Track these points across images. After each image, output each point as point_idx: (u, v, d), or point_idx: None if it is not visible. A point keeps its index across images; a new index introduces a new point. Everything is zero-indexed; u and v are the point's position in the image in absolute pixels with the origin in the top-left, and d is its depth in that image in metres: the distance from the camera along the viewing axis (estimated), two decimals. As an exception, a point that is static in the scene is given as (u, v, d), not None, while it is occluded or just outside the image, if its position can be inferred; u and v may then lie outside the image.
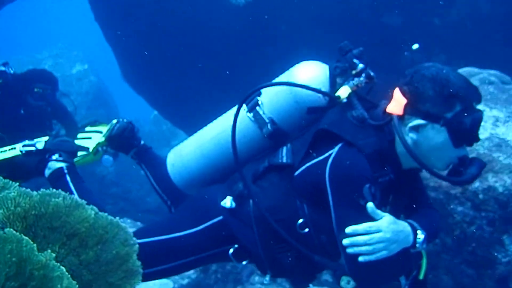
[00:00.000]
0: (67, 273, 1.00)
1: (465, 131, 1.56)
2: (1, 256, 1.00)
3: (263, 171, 1.84)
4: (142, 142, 2.46)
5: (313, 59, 1.94)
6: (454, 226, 2.41)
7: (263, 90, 1.90)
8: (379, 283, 1.68)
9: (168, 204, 2.28)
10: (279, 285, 3.27)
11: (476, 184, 2.32)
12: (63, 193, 1.18)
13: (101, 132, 2.54)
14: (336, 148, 1.66)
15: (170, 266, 1.91)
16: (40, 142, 2.21)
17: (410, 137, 1.62)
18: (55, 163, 2.19)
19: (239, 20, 4.21)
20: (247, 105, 1.91)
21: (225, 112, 2.11)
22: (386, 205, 1.74)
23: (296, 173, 1.77)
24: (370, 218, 1.54)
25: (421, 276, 1.71)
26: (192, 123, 6.36)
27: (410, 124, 1.62)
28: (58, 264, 1.02)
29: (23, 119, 4.05)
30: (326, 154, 1.68)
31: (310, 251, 1.71)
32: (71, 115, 4.52)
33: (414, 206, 1.79)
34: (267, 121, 1.87)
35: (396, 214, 1.66)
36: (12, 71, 4.14)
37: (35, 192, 1.13)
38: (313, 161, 1.72)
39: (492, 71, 2.83)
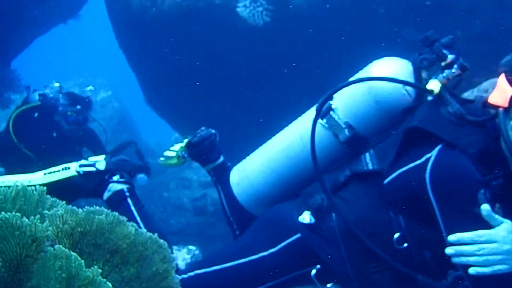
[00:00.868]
0: (113, 288, 1.04)
1: None
2: (52, 273, 1.04)
3: (345, 181, 1.66)
4: (221, 159, 2.24)
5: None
6: None
7: (335, 94, 1.73)
8: None
9: (234, 228, 2.09)
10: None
11: None
12: (105, 210, 1.23)
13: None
14: (436, 150, 1.45)
15: None
16: (100, 162, 2.05)
17: None
18: (116, 185, 2.03)
19: (258, 40, 4.29)
20: (317, 111, 1.72)
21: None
22: None
23: (386, 181, 1.58)
24: (488, 227, 1.32)
25: None
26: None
27: None
28: (105, 280, 1.06)
29: (54, 142, 4.10)
30: (424, 158, 1.48)
31: (411, 269, 1.49)
32: (100, 141, 4.56)
33: None
34: (343, 126, 1.71)
35: None
36: (51, 95, 4.23)
37: (80, 210, 1.18)
38: (408, 166, 1.52)
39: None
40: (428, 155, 1.47)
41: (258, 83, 4.76)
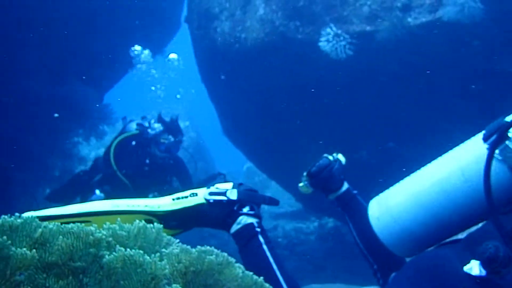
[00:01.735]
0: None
1: None
2: (169, 312, 1.06)
3: None
4: (345, 187, 2.05)
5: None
6: None
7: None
8: None
9: (375, 268, 1.87)
10: None
11: None
12: (215, 250, 1.24)
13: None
14: None
15: None
16: (232, 191, 1.83)
17: None
18: (246, 218, 1.78)
19: (340, 74, 4.27)
20: (485, 141, 1.50)
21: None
22: None
23: None
24: None
25: None
26: (287, 174, 6.45)
27: None
28: (217, 322, 1.05)
29: (148, 170, 4.17)
30: None
31: None
32: (188, 170, 4.56)
33: None
34: None
35: None
36: (147, 124, 4.32)
37: (193, 249, 1.19)
38: None
39: None
40: None
41: (338, 116, 4.71)
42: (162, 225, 1.20)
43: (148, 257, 1.10)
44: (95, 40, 5.65)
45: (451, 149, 1.64)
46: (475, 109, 4.02)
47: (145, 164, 4.17)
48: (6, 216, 1.00)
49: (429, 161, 1.67)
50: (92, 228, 1.08)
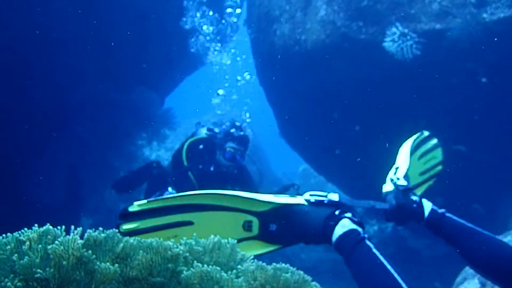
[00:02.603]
0: None
1: None
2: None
3: None
4: (427, 210, 1.81)
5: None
6: None
7: None
8: None
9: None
10: None
11: None
12: (291, 267, 1.20)
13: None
14: None
15: None
16: (333, 194, 1.70)
17: None
18: (350, 223, 1.59)
19: (407, 75, 4.07)
20: None
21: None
22: None
23: None
24: None
25: None
26: (346, 177, 6.29)
27: None
28: None
29: (211, 177, 4.08)
30: None
31: None
32: (254, 182, 4.38)
33: None
34: None
35: None
36: (218, 131, 4.26)
37: (269, 266, 1.16)
38: None
39: None
40: None
41: (403, 119, 4.51)
42: (236, 241, 1.18)
43: (225, 274, 1.08)
44: (158, 43, 5.84)
45: None
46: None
47: (209, 170, 4.10)
48: (91, 231, 1.03)
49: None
50: (170, 243, 1.08)
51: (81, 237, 1.02)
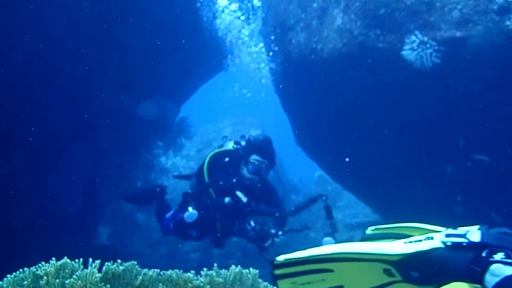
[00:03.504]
0: None
1: None
2: None
3: None
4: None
5: None
6: None
7: None
8: None
9: None
10: None
11: None
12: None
13: None
14: None
15: None
16: (473, 232, 1.39)
17: None
18: (503, 268, 1.27)
19: (426, 84, 3.99)
20: None
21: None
22: None
23: None
24: None
25: None
26: (363, 185, 6.19)
27: None
28: None
29: (234, 188, 3.98)
30: None
31: None
32: (279, 197, 4.23)
33: None
34: None
35: None
36: (244, 143, 4.16)
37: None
38: None
39: None
40: None
41: (422, 128, 4.41)
42: (258, 271, 1.14)
43: (246, 309, 1.04)
44: (174, 52, 5.86)
45: None
46: None
47: (231, 181, 3.98)
48: (109, 264, 1.00)
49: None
50: (190, 275, 1.04)
51: (99, 270, 1.00)
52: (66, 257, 0.98)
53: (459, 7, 3.55)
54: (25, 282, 0.93)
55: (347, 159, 5.26)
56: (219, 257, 6.43)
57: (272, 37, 5.28)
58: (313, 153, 6.67)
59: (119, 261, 1.04)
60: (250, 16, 6.66)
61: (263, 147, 4.04)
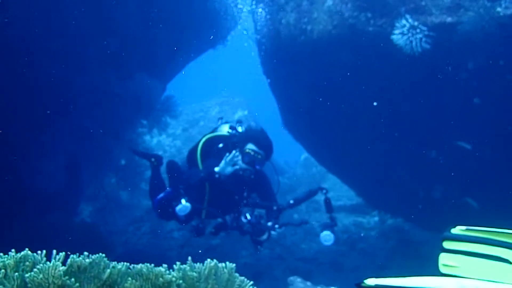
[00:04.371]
0: None
1: None
2: None
3: None
4: None
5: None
6: None
7: None
8: None
9: None
10: None
11: None
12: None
13: None
14: None
15: None
16: None
17: None
18: None
19: (415, 69, 3.95)
20: None
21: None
22: None
23: None
24: None
25: None
26: (347, 168, 6.20)
27: None
28: None
29: (226, 178, 3.81)
30: None
31: None
32: (272, 189, 4.08)
33: None
34: None
35: None
36: (241, 130, 4.01)
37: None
38: None
39: None
40: None
41: (408, 113, 4.40)
42: (234, 265, 1.10)
43: (220, 304, 1.00)
44: (159, 30, 5.70)
45: None
46: None
47: (225, 177, 3.81)
48: (74, 256, 0.95)
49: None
50: (162, 269, 1.00)
51: (64, 263, 0.94)
52: (27, 248, 0.92)
53: (451, -9, 3.49)
54: (-19, 276, 0.87)
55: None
56: (202, 237, 6.42)
57: (260, 10, 5.14)
58: (300, 135, 6.63)
59: (85, 253, 0.98)
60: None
61: (259, 137, 3.90)
